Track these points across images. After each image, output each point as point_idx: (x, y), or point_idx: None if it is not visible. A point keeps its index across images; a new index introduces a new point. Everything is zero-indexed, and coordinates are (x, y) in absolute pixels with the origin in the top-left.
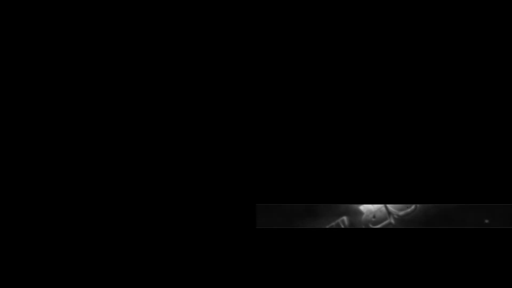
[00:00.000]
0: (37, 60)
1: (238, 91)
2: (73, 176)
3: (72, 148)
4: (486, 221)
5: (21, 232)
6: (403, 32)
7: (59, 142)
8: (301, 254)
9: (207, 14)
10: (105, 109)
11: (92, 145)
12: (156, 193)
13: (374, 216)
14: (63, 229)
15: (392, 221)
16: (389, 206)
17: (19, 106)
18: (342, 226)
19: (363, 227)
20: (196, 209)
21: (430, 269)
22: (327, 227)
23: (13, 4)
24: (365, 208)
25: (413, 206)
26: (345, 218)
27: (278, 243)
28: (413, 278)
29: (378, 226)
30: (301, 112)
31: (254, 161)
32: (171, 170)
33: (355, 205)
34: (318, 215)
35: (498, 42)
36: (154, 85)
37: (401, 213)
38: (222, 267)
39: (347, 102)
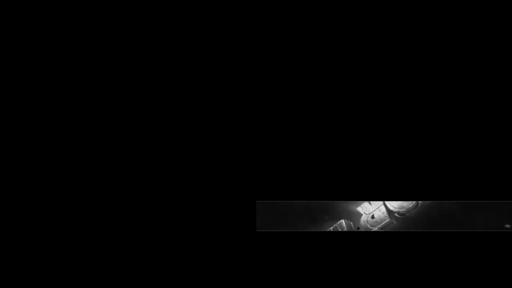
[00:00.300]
0: (37, 60)
1: (238, 90)
2: (74, 177)
3: (73, 149)
4: (507, 225)
5: (21, 232)
6: (402, 31)
7: (59, 143)
8: (301, 257)
9: (207, 14)
10: (105, 108)
11: (91, 143)
12: (156, 192)
13: (372, 217)
14: (69, 229)
15: (394, 220)
16: (389, 205)
17: (19, 106)
18: (339, 230)
19: (362, 229)
20: (195, 209)
21: (434, 273)
22: (326, 230)
23: (13, 4)
24: (363, 208)
25: (414, 202)
26: (343, 221)
27: (277, 246)
28: (417, 283)
29: (379, 226)
30: (300, 110)
31: (254, 160)
32: (170, 167)
33: (353, 207)
34: (317, 218)
35: (498, 41)
36: (154, 85)
37: (402, 210)
38: (221, 270)
39: (346, 101)
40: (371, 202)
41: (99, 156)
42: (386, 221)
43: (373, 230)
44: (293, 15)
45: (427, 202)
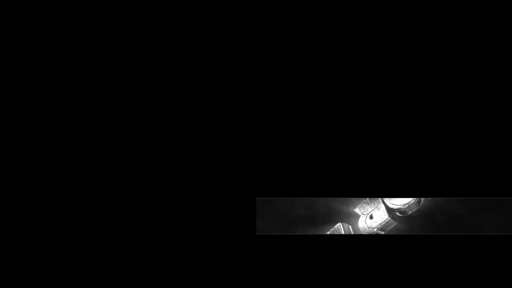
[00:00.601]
0: (38, 60)
1: (237, 87)
2: (74, 177)
3: (72, 149)
4: None
5: (21, 233)
6: (400, 29)
7: (60, 143)
8: (301, 260)
9: (207, 14)
10: (104, 106)
11: (90, 142)
12: (154, 192)
13: (371, 217)
14: (69, 229)
15: (395, 220)
16: (388, 203)
17: (20, 106)
18: (336, 233)
19: (361, 232)
20: (195, 208)
21: (435, 275)
22: (326, 233)
23: (13, 4)
24: (361, 209)
25: (416, 198)
26: (340, 224)
27: (277, 250)
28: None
29: (379, 227)
30: (300, 106)
31: (254, 158)
32: (167, 166)
33: (351, 208)
34: (316, 220)
35: (499, 40)
36: (154, 83)
37: (404, 207)
38: (220, 273)
39: (345, 98)
40: (369, 201)
41: (97, 153)
42: (386, 220)
43: (372, 231)
44: (291, 14)
45: (430, 198)
